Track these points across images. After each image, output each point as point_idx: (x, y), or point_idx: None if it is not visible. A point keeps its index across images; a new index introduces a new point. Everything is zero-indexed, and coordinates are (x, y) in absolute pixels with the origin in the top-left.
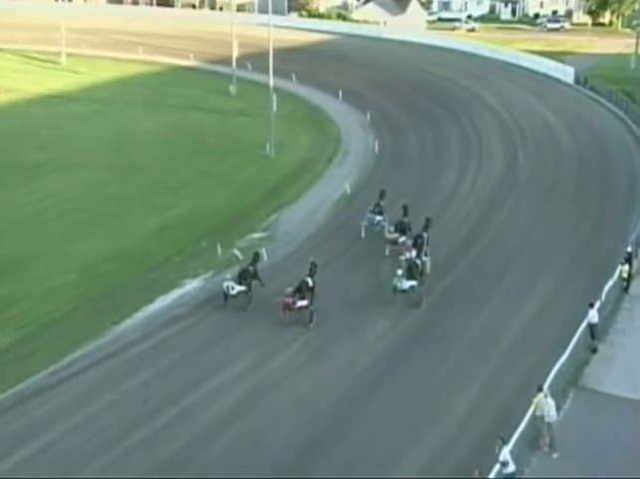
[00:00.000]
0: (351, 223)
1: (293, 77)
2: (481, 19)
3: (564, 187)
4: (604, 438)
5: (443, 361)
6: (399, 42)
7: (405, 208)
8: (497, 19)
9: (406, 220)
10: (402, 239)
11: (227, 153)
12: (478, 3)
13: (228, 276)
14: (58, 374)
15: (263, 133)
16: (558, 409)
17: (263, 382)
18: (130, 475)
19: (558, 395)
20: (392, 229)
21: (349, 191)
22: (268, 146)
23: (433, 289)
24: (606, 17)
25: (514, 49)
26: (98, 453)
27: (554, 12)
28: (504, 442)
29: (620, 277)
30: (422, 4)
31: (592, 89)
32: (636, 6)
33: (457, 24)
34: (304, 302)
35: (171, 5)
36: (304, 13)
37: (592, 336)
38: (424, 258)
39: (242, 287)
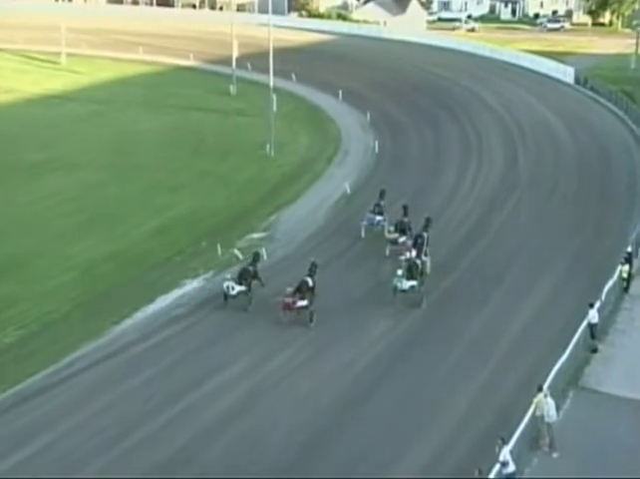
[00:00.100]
0: (351, 222)
1: (293, 77)
2: (481, 19)
3: (564, 187)
4: (604, 438)
5: (443, 361)
6: (399, 42)
7: (405, 207)
8: (497, 19)
9: (406, 219)
10: (402, 238)
11: (227, 153)
12: (477, 3)
13: (228, 276)
14: (58, 374)
15: (263, 133)
16: (558, 409)
17: (263, 382)
18: (130, 475)
19: (558, 395)
20: (392, 228)
21: (349, 191)
22: (268, 146)
23: (433, 289)
24: (606, 17)
25: (514, 49)
26: (98, 453)
27: (554, 12)
28: (504, 442)
29: (620, 277)
30: (422, 4)
31: (592, 89)
32: (636, 6)
33: (457, 24)
34: (304, 302)
35: (172, 5)
36: (304, 13)
37: (592, 336)
38: (424, 258)
39: (242, 287)
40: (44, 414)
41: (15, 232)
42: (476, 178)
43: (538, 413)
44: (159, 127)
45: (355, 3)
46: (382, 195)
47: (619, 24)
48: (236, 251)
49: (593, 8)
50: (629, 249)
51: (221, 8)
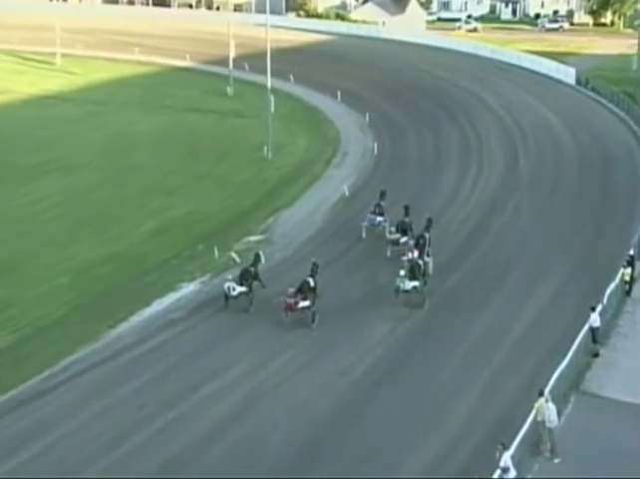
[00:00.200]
0: (350, 224)
1: (291, 77)
2: (482, 19)
3: (566, 188)
4: (606, 443)
5: (444, 364)
6: (398, 42)
7: (406, 208)
8: (498, 19)
9: (407, 220)
10: (403, 239)
11: (224, 154)
12: (478, 3)
13: (229, 277)
14: (54, 378)
15: (261, 134)
16: (560, 414)
17: (262, 385)
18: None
19: (560, 400)
20: (393, 229)
21: (347, 193)
22: (266, 147)
23: (434, 291)
24: (607, 17)
25: (515, 49)
26: (95, 457)
27: (555, 12)
28: (505, 447)
29: (622, 280)
30: (421, 4)
31: (594, 90)
32: (638, 6)
33: (457, 24)
34: (306, 303)
35: (168, 5)
36: (302, 13)
37: (594, 340)
38: (426, 259)
39: (243, 288)
40: (40, 418)
41: (10, 234)
42: (476, 179)
43: (539, 418)
44: (155, 128)
45: (353, 3)
46: (382, 195)
47: (621, 24)
48: (234, 254)
49: (594, 8)
50: (631, 252)
51: (218, 8)
